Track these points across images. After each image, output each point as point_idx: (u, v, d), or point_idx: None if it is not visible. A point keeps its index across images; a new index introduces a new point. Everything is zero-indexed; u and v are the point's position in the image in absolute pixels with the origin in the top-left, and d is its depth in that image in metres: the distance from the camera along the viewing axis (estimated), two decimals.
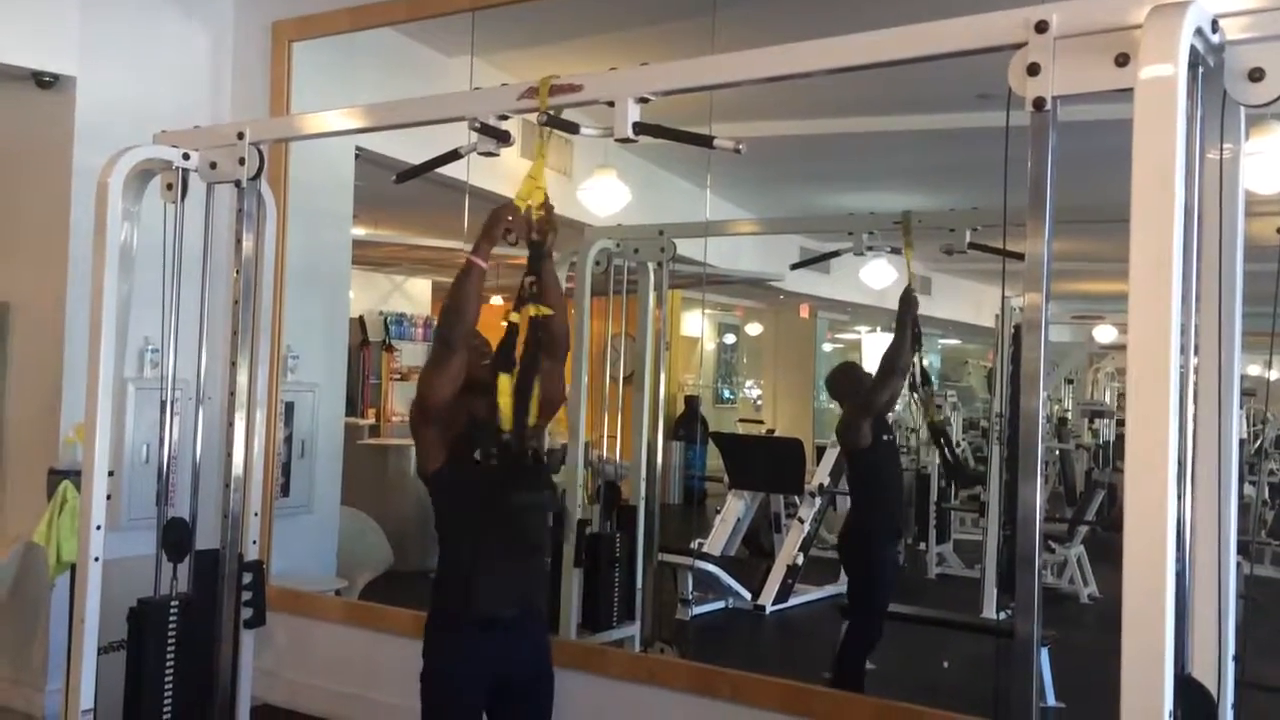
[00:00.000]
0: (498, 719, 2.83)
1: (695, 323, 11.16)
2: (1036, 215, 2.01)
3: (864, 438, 4.44)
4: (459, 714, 2.78)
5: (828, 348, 11.67)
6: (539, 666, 2.87)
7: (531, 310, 2.64)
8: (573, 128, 2.65)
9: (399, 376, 10.54)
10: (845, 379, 4.73)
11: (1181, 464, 1.79)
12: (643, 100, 2.57)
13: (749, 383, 12.14)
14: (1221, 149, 1.96)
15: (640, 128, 2.57)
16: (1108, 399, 9.92)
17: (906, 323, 4.53)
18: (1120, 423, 9.15)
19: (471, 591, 2.74)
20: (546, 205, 2.75)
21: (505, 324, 2.67)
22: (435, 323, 2.69)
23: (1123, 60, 1.89)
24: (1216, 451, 1.94)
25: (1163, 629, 1.64)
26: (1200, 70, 1.90)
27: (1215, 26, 1.87)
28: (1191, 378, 1.93)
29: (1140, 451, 1.68)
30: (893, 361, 4.55)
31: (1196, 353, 1.96)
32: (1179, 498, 1.76)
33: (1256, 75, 1.91)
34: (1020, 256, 2.24)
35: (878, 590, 4.68)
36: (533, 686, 2.86)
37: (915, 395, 4.73)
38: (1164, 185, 1.70)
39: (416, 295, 11.39)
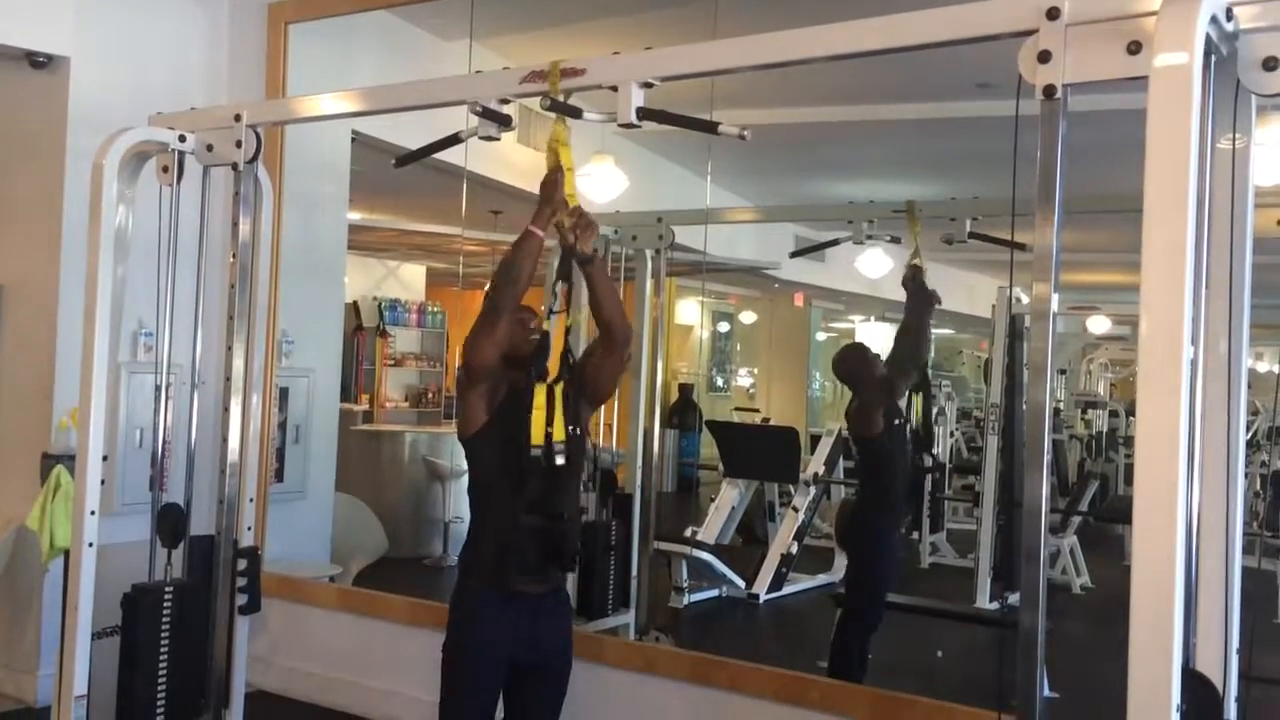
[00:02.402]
0: (511, 694, 2.82)
1: (689, 311, 11.16)
2: (1045, 205, 2.00)
3: (877, 424, 4.41)
4: (478, 687, 2.76)
5: (821, 336, 11.67)
6: (561, 647, 2.86)
7: (566, 320, 2.73)
8: (576, 113, 2.63)
9: (393, 362, 10.52)
10: (858, 361, 4.58)
11: (1191, 456, 1.77)
12: (647, 85, 2.54)
13: (743, 371, 12.14)
14: (1234, 139, 1.94)
15: (644, 113, 2.54)
16: (1101, 390, 9.95)
17: (924, 312, 4.52)
18: (1113, 413, 9.18)
19: (501, 564, 2.73)
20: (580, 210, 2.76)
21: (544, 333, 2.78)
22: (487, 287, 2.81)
23: (1135, 48, 1.87)
24: (1225, 444, 1.93)
25: (1172, 624, 1.63)
26: (1213, 59, 1.88)
27: (1230, 15, 1.85)
28: (1201, 369, 1.91)
29: (1151, 443, 1.67)
30: (915, 349, 4.55)
31: (1205, 344, 1.94)
32: (1188, 490, 1.75)
33: (1270, 64, 1.89)
34: (1022, 246, 2.22)
35: (884, 578, 4.68)
36: (551, 667, 2.84)
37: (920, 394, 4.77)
38: (1178, 175, 1.68)
39: (411, 281, 11.35)
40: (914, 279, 4.53)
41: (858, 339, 11.49)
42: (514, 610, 2.74)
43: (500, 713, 2.87)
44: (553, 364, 2.89)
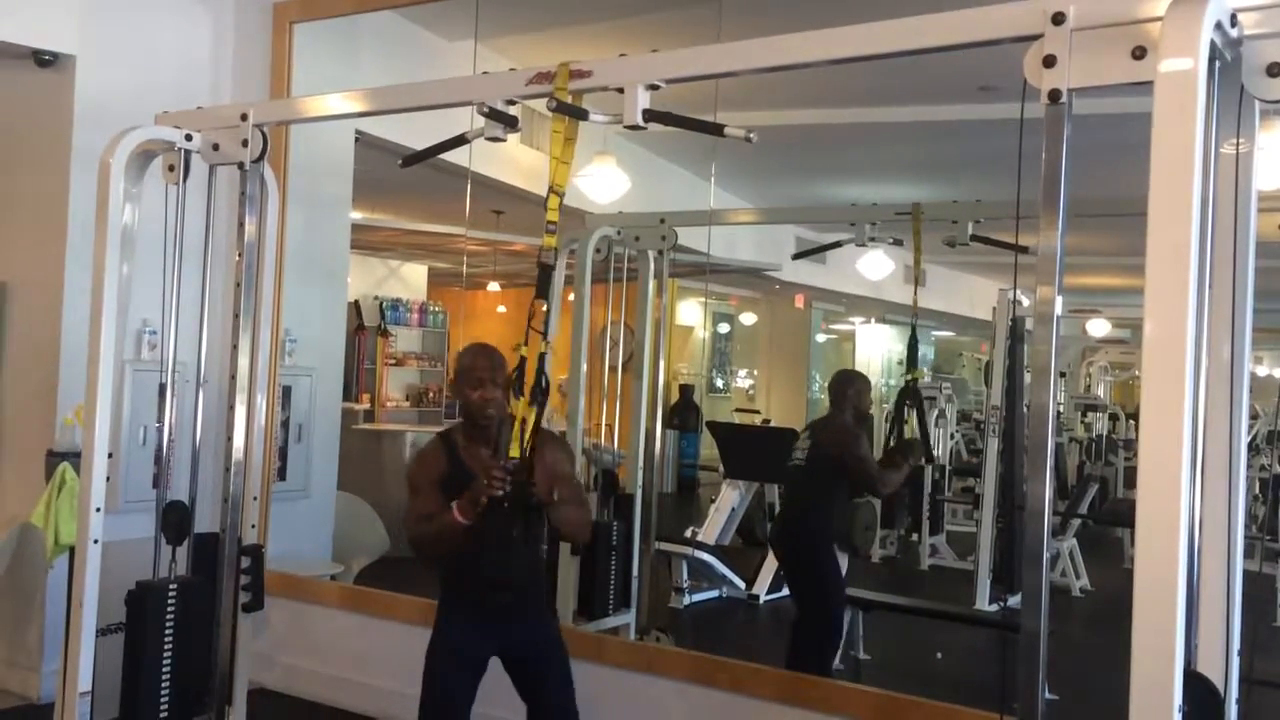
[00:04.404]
0: (520, 684, 3.03)
1: (690, 312, 11.18)
2: (1049, 208, 2.00)
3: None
4: (445, 685, 2.97)
5: (822, 338, 11.68)
6: (542, 636, 3.04)
7: (541, 346, 2.70)
8: (582, 114, 2.63)
9: (394, 362, 10.53)
10: (862, 390, 4.61)
11: (1194, 459, 1.79)
12: (653, 87, 2.55)
13: (743, 372, 12.15)
14: (1238, 143, 1.96)
15: (650, 115, 2.55)
16: (1101, 393, 9.96)
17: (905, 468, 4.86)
18: (1113, 417, 9.20)
19: (452, 581, 3.03)
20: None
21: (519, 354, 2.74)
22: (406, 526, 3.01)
23: (1140, 53, 1.88)
24: (1227, 447, 1.94)
25: (1174, 625, 1.64)
26: (1218, 64, 1.89)
27: (1234, 21, 1.86)
28: (1204, 372, 1.92)
29: (1154, 446, 1.68)
30: (885, 486, 4.81)
31: (1208, 347, 1.95)
32: (1190, 493, 1.76)
33: (1274, 70, 1.91)
34: (1024, 249, 2.23)
35: (843, 593, 4.72)
36: (539, 653, 3.03)
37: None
38: (1183, 179, 1.69)
39: (413, 280, 11.36)
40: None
41: (858, 341, 11.52)
42: (483, 617, 2.97)
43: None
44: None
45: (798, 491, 4.77)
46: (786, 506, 5.03)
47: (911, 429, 5.93)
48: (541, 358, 2.68)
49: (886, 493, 4.97)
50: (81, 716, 3.03)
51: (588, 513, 3.20)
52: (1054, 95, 1.97)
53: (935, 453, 7.43)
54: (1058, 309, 2.00)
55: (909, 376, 5.27)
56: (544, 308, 2.67)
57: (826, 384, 4.74)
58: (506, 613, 2.97)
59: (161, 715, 3.15)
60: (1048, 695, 2.05)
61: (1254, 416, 7.31)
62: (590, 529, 3.16)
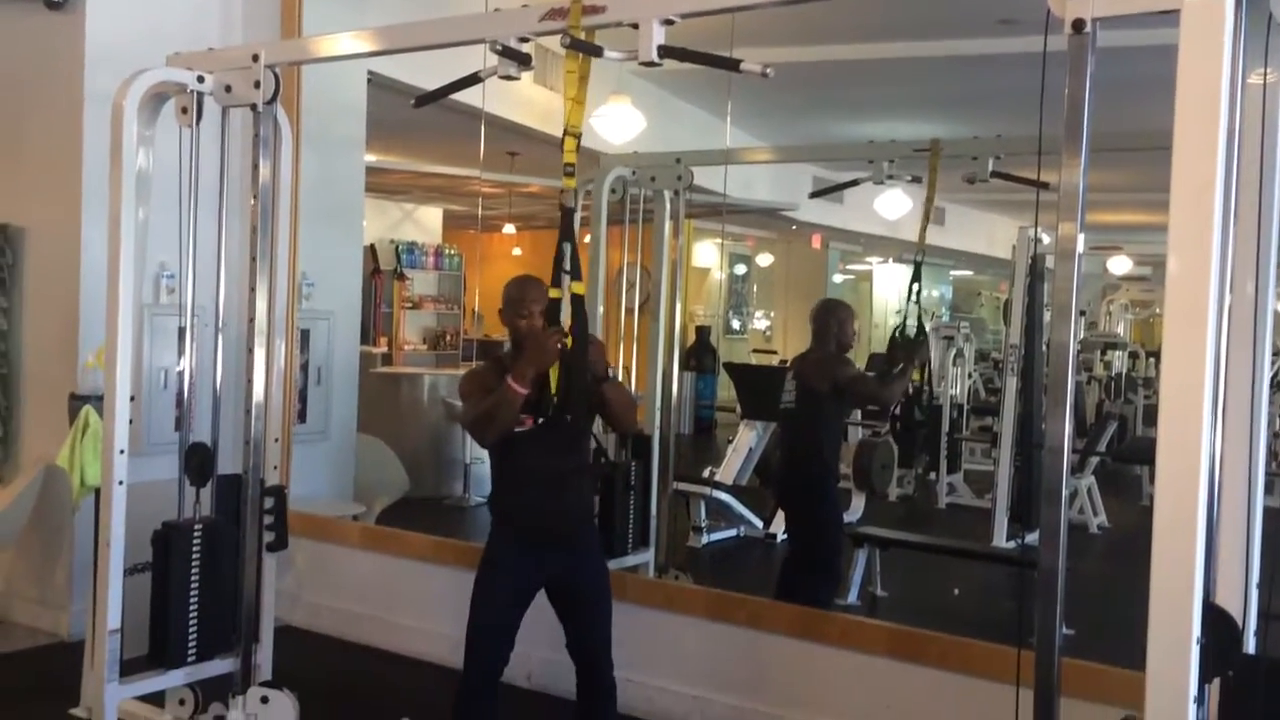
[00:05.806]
0: (562, 613, 3.12)
1: (706, 253, 11.13)
2: (1073, 142, 1.97)
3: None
4: (495, 609, 3.04)
5: (839, 278, 11.63)
6: (586, 573, 3.12)
7: (574, 288, 2.78)
8: (597, 51, 2.60)
9: (411, 305, 10.55)
10: (843, 320, 4.46)
11: (1215, 396, 1.77)
12: (668, 22, 2.51)
13: (759, 313, 12.12)
14: (1265, 74, 1.92)
15: (666, 51, 2.51)
16: (1121, 331, 9.91)
17: (907, 371, 4.82)
18: (1133, 355, 9.16)
19: (508, 515, 3.08)
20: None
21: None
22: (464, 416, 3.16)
23: None
24: (1249, 384, 1.93)
25: (1193, 559, 1.65)
26: None
27: None
28: (1227, 309, 1.90)
29: (1176, 382, 1.68)
30: (888, 394, 4.74)
31: (1232, 284, 1.93)
32: (1212, 429, 1.75)
33: None
34: (1045, 186, 2.21)
35: (840, 529, 4.75)
36: (585, 588, 3.11)
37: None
38: (1209, 111, 1.66)
39: (428, 223, 11.33)
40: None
41: (876, 281, 11.46)
42: (535, 547, 3.03)
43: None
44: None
45: (791, 433, 4.78)
46: (782, 449, 5.03)
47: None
48: (579, 298, 2.79)
49: (893, 401, 4.98)
50: (111, 653, 3.10)
51: (633, 399, 3.24)
52: (1078, 25, 1.93)
53: (953, 391, 7.44)
54: (1079, 246, 1.98)
55: (901, 325, 5.24)
56: (570, 249, 2.75)
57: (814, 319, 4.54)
58: (558, 544, 3.05)
59: (190, 651, 3.22)
60: (1065, 630, 2.06)
61: (1276, 353, 7.27)
62: (636, 415, 3.19)
